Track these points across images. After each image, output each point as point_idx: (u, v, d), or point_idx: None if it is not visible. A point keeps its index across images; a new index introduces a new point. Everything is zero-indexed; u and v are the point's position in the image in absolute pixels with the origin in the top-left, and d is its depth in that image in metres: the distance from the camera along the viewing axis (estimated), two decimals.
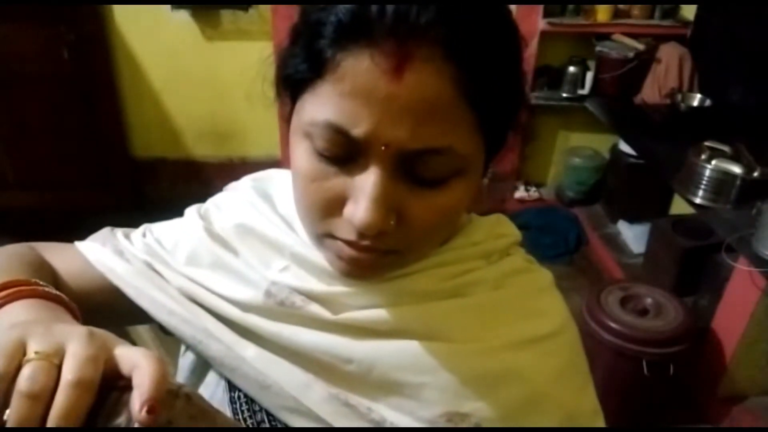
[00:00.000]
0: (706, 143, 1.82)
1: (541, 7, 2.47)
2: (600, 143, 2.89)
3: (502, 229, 0.56)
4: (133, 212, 2.75)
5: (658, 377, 1.68)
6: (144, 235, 0.58)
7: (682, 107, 2.33)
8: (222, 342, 0.50)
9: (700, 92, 2.38)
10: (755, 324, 1.69)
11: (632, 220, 2.61)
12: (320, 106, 0.40)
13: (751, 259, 1.58)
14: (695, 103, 2.35)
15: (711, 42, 2.38)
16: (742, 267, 1.64)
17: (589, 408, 0.53)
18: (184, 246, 0.55)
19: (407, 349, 0.48)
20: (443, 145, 0.40)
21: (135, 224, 0.61)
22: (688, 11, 2.55)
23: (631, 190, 2.59)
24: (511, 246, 0.56)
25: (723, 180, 1.74)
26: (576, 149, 2.91)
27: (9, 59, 2.52)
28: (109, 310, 0.53)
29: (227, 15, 2.62)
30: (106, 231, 0.59)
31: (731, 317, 1.76)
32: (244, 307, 0.51)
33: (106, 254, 0.54)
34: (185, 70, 2.76)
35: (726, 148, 1.79)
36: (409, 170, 0.41)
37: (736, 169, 1.72)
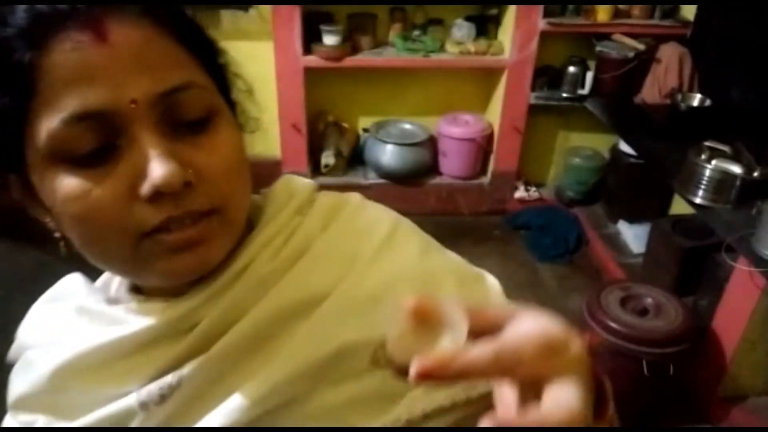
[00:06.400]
0: (706, 143, 1.81)
1: (541, 7, 2.47)
2: (600, 143, 2.89)
3: (296, 185, 0.56)
4: None
5: (658, 377, 1.68)
6: None
7: (682, 107, 2.33)
8: None
9: (700, 92, 2.38)
10: (755, 324, 1.69)
11: (632, 220, 2.61)
12: (50, 116, 0.38)
13: (751, 259, 1.58)
14: (695, 103, 2.35)
15: (711, 42, 2.38)
16: (742, 267, 1.64)
17: (467, 269, 0.55)
18: None
19: (301, 333, 0.46)
20: (184, 80, 0.41)
21: None
22: (688, 11, 2.55)
23: (631, 190, 2.59)
24: (312, 193, 0.56)
25: (723, 180, 1.74)
26: (576, 149, 2.91)
27: None
28: None
29: (227, 15, 2.62)
30: None
31: (731, 317, 1.76)
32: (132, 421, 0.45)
33: None
34: None
35: (726, 148, 1.78)
36: (172, 120, 0.41)
37: (736, 169, 1.72)
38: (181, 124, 0.42)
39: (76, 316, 0.50)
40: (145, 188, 0.39)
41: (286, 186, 0.56)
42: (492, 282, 0.55)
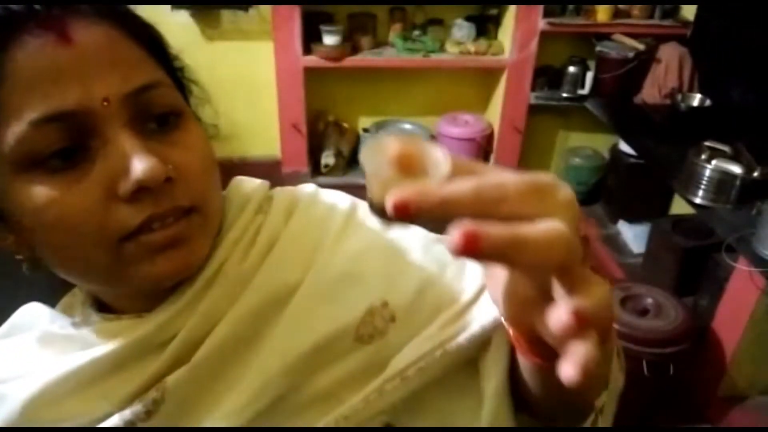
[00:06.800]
0: (706, 143, 1.82)
1: (541, 7, 2.47)
2: (600, 143, 2.89)
3: (249, 186, 0.56)
4: None
5: (658, 377, 1.68)
6: None
7: (682, 107, 2.33)
8: None
9: (700, 92, 2.38)
10: (755, 324, 1.69)
11: (632, 220, 2.60)
12: (17, 120, 0.37)
13: (751, 259, 1.58)
14: (695, 103, 2.35)
15: (711, 42, 2.38)
16: (742, 267, 1.64)
17: (431, 235, 0.56)
18: None
19: (280, 328, 0.46)
20: (152, 79, 0.42)
21: None
22: (688, 11, 2.55)
23: (631, 190, 2.59)
24: (267, 191, 0.56)
25: (723, 180, 1.74)
26: (576, 149, 2.91)
27: None
28: None
29: (227, 15, 2.61)
30: None
31: (731, 317, 1.75)
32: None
33: None
34: None
35: (726, 148, 1.78)
36: (142, 118, 0.41)
37: (736, 169, 1.72)
38: (151, 123, 0.42)
39: (41, 346, 0.48)
40: (128, 185, 0.39)
41: (238, 189, 0.55)
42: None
